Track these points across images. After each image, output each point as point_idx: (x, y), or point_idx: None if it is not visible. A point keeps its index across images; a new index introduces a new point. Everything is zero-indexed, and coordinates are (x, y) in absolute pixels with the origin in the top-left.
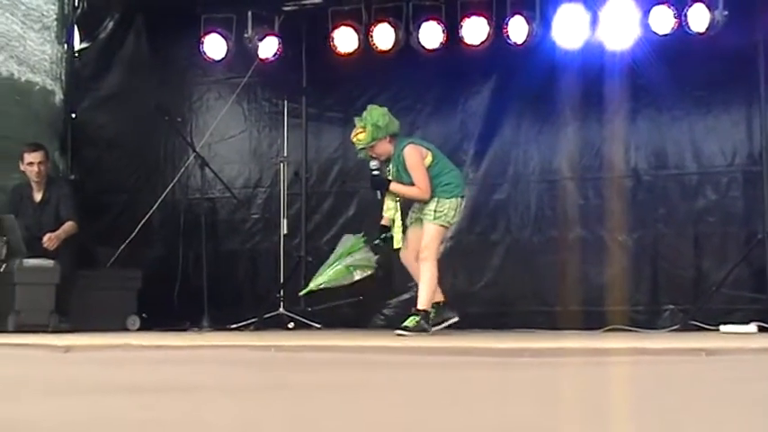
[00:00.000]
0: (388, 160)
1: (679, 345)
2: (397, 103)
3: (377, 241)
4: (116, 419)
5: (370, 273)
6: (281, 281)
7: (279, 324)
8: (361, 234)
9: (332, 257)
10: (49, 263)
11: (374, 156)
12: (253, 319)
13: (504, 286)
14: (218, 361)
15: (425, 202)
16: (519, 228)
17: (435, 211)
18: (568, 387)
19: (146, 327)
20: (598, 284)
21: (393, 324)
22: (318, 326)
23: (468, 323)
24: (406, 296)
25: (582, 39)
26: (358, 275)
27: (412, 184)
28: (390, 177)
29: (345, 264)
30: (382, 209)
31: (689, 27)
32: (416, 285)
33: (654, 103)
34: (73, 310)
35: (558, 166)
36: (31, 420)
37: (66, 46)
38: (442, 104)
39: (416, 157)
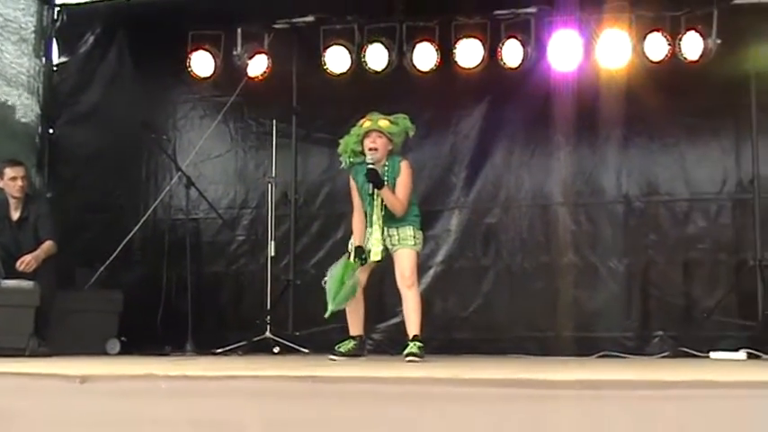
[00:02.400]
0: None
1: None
2: None
3: (359, 262)
4: None
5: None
6: (268, 304)
7: (265, 349)
8: (346, 256)
9: (334, 277)
10: (28, 284)
11: (371, 150)
12: (239, 344)
13: (494, 312)
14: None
15: (399, 228)
16: (510, 253)
17: (415, 237)
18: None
19: (126, 351)
20: (589, 310)
21: (382, 349)
22: (306, 351)
23: (459, 349)
24: (395, 320)
25: (576, 64)
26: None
27: None
28: None
29: (351, 284)
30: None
31: (683, 55)
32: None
33: (646, 130)
34: (52, 333)
35: (549, 191)
36: None
37: (44, 59)
38: (435, 127)
39: (411, 174)
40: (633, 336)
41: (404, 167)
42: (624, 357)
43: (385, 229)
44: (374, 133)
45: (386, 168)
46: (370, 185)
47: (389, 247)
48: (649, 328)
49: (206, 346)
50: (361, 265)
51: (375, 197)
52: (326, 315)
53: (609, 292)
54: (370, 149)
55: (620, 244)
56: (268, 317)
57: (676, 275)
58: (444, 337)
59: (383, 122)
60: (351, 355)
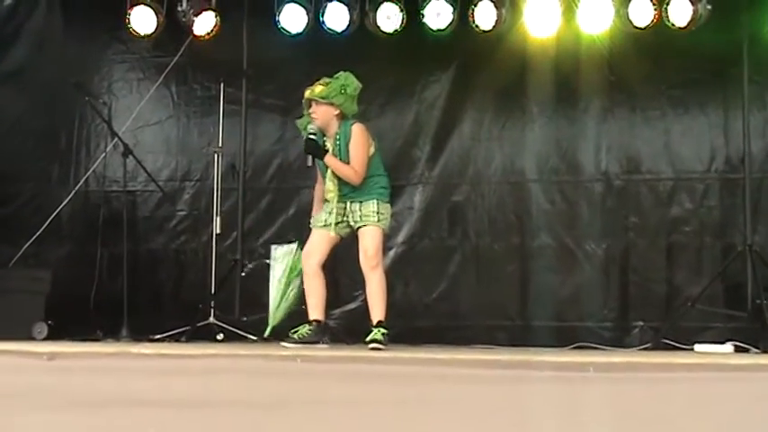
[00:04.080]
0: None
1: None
2: None
3: None
4: None
5: None
6: (213, 286)
7: (207, 335)
8: (296, 243)
9: (279, 279)
10: None
11: (314, 118)
12: (181, 329)
13: (460, 298)
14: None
15: (363, 203)
16: (478, 233)
17: (378, 212)
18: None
19: (54, 335)
20: (563, 297)
21: (338, 338)
22: (254, 338)
23: (421, 338)
24: (351, 306)
25: (554, 28)
26: None
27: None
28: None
29: (298, 284)
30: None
31: (670, 21)
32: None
33: (628, 101)
34: None
35: (522, 167)
36: None
37: None
38: (398, 95)
39: (364, 137)
40: (611, 326)
41: (354, 131)
42: (601, 349)
43: (347, 203)
44: (312, 102)
45: (338, 135)
46: (309, 157)
47: (352, 224)
48: (629, 318)
49: (143, 332)
50: None
51: (322, 167)
52: (266, 334)
53: (585, 277)
54: (313, 119)
55: (597, 225)
56: (212, 300)
57: (659, 260)
58: (405, 325)
59: (317, 88)
60: (306, 342)
